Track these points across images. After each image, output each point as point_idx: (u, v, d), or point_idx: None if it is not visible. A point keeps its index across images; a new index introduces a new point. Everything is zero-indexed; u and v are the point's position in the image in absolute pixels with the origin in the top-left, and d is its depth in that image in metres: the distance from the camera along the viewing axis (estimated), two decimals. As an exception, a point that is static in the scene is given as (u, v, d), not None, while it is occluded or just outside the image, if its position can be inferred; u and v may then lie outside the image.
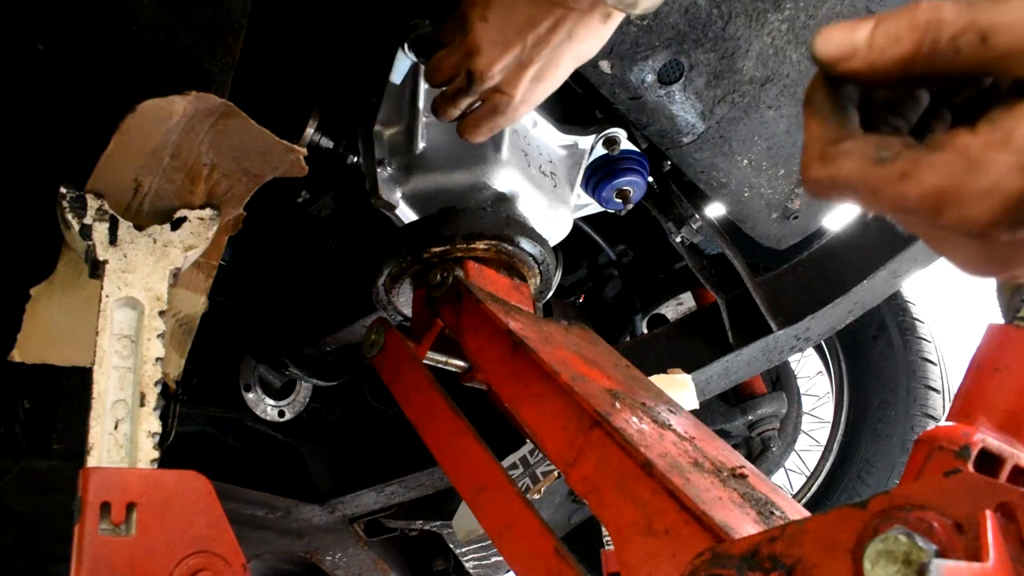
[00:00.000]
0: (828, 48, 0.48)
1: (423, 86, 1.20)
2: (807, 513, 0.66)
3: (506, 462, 1.57)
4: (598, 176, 1.38)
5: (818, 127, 0.49)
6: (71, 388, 1.19)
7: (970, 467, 0.57)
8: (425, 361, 1.04)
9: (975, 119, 0.43)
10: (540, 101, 1.02)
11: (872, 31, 0.46)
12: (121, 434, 0.84)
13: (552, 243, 1.27)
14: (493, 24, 0.94)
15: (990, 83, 0.47)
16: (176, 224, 0.97)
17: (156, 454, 0.84)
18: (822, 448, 2.44)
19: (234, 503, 1.73)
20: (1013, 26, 0.42)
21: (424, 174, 1.20)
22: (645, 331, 2.09)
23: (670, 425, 0.84)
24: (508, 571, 2.11)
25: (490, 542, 1.46)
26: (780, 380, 2.25)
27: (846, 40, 0.47)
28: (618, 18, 0.94)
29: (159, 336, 0.90)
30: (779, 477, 2.51)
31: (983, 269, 0.50)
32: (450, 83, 1.02)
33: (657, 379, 1.34)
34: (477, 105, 1.03)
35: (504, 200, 1.20)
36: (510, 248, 1.16)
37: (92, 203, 0.92)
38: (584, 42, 0.95)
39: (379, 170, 1.19)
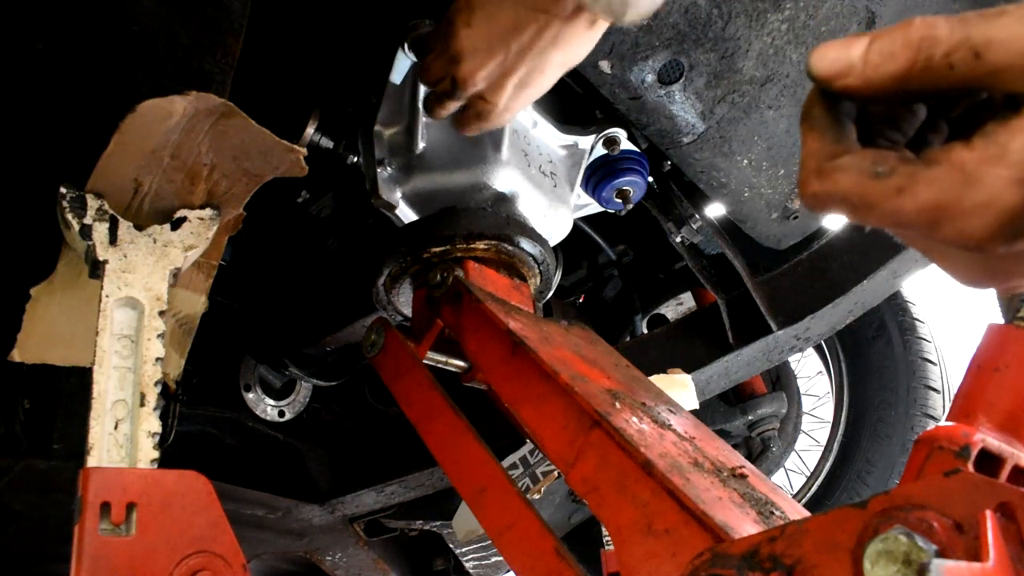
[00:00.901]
0: (824, 66, 0.48)
1: (423, 86, 1.20)
2: (807, 513, 0.66)
3: (506, 462, 1.57)
4: (598, 176, 1.38)
5: (815, 142, 0.49)
6: (71, 388, 1.19)
7: (970, 467, 0.57)
8: (425, 361, 1.04)
9: (971, 132, 0.44)
10: (526, 106, 1.02)
11: (867, 48, 0.47)
12: (121, 434, 0.84)
13: (552, 243, 1.27)
14: (477, 31, 0.93)
15: (985, 96, 0.47)
16: (176, 224, 0.97)
17: (156, 454, 0.84)
18: (822, 448, 2.44)
19: (234, 503, 1.73)
20: (1006, 42, 0.42)
21: (424, 174, 1.20)
22: (645, 331, 2.09)
23: (670, 425, 0.84)
24: (508, 571, 2.11)
25: (490, 542, 1.46)
26: (780, 380, 2.25)
27: (841, 57, 0.48)
28: (604, 24, 0.94)
29: (159, 336, 0.90)
30: (779, 477, 2.51)
31: (980, 281, 0.50)
32: (439, 84, 1.02)
33: (657, 379, 1.34)
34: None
35: (504, 200, 1.20)
36: (510, 248, 1.16)
37: (92, 203, 0.92)
38: (570, 48, 0.94)
39: (379, 170, 1.19)
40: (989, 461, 0.59)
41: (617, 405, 0.81)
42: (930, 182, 0.44)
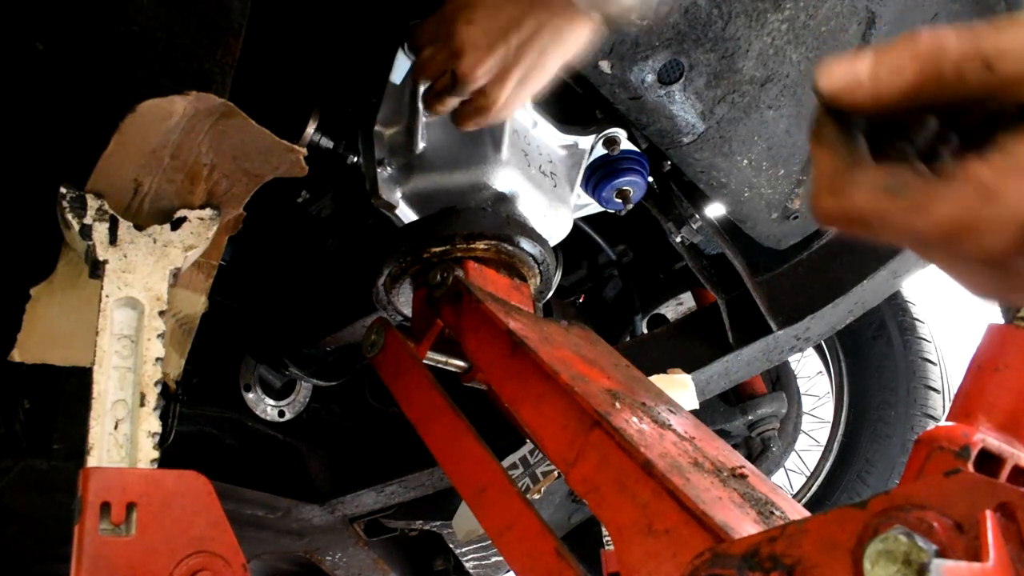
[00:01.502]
0: (831, 83, 0.47)
1: (423, 86, 1.20)
2: (807, 513, 0.66)
3: (506, 462, 1.57)
4: (598, 176, 1.38)
5: (826, 158, 0.48)
6: (71, 388, 1.19)
7: (970, 467, 0.57)
8: (425, 361, 1.04)
9: (982, 143, 0.43)
10: (526, 101, 1.03)
11: (874, 63, 0.46)
12: (121, 434, 0.84)
13: (552, 243, 1.27)
14: (478, 27, 0.95)
15: (997, 106, 0.47)
16: (176, 224, 0.97)
17: (156, 454, 0.84)
18: (822, 448, 2.44)
19: (234, 503, 1.73)
20: (1018, 52, 0.41)
21: (424, 174, 1.20)
22: (645, 331, 2.09)
23: (670, 425, 0.84)
24: (508, 571, 2.11)
25: (490, 542, 1.46)
26: (780, 380, 2.25)
27: (848, 74, 0.47)
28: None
29: (159, 336, 0.90)
30: (779, 477, 2.51)
31: (996, 293, 0.50)
32: (438, 80, 1.03)
33: (657, 379, 1.34)
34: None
35: (504, 200, 1.20)
36: (510, 248, 1.16)
37: (92, 203, 0.92)
38: (569, 44, 0.95)
39: (379, 170, 1.19)
40: (989, 461, 0.59)
41: (617, 405, 0.81)
42: (947, 199, 0.43)
